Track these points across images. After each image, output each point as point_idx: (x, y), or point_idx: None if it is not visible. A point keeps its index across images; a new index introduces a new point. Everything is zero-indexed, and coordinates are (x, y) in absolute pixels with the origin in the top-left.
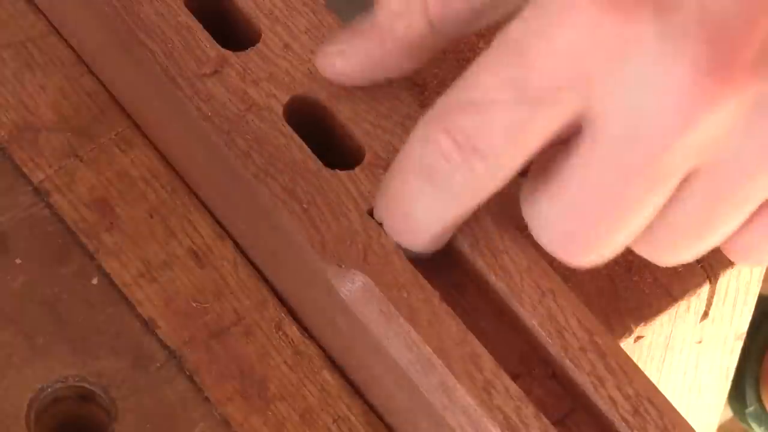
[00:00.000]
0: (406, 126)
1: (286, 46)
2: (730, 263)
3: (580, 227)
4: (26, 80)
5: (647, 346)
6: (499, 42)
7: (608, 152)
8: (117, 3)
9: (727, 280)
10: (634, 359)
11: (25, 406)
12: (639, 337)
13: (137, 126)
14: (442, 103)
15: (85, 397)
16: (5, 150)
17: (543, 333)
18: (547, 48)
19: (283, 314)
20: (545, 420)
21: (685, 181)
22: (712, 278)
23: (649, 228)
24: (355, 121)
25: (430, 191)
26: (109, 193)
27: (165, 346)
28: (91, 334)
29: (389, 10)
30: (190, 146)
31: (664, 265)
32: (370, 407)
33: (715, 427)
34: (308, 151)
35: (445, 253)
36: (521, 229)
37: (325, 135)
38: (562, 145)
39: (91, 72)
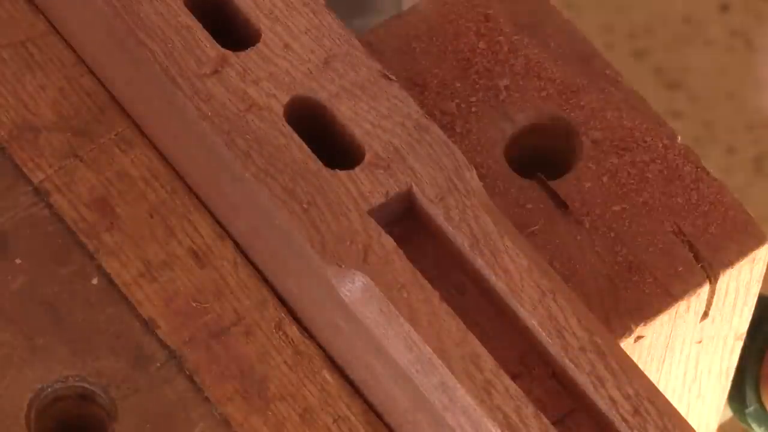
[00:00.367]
0: (406, 126)
1: (286, 46)
2: (730, 263)
3: None
4: (26, 80)
5: (647, 346)
6: None
7: None
8: (117, 3)
9: (727, 280)
10: (634, 359)
11: (25, 406)
12: (639, 337)
13: (137, 126)
14: None
15: (85, 397)
16: (5, 150)
17: (543, 333)
18: None
19: (283, 314)
20: (545, 420)
21: None
22: (712, 278)
23: None
24: (355, 121)
25: None
26: (109, 193)
27: (165, 346)
28: (91, 334)
29: None
30: (190, 146)
31: None
32: (370, 407)
33: (715, 427)
34: (308, 151)
35: (445, 253)
36: (521, 229)
37: (325, 135)
38: None
39: (91, 72)
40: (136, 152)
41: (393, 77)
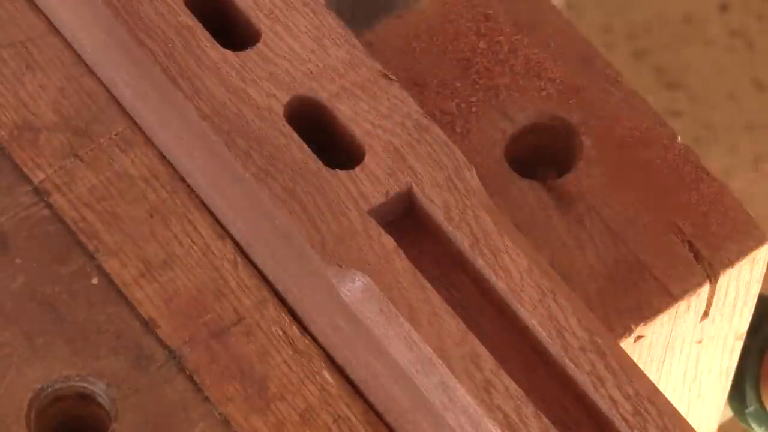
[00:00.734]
0: (406, 126)
1: (286, 46)
2: (730, 263)
3: None
4: (26, 80)
5: (647, 346)
6: None
7: None
8: (117, 3)
9: (727, 280)
10: (634, 359)
11: (25, 406)
12: (639, 337)
13: (137, 126)
14: None
15: (85, 397)
16: (5, 150)
17: (543, 333)
18: None
19: (283, 314)
20: (545, 420)
21: None
22: (712, 278)
23: None
24: (355, 121)
25: None
26: (109, 193)
27: (165, 346)
28: (91, 334)
29: None
30: (190, 146)
31: None
32: (370, 407)
33: (715, 427)
34: (308, 151)
35: (445, 253)
36: (521, 229)
37: (325, 135)
38: None
39: (91, 72)
40: (136, 152)
41: (393, 77)
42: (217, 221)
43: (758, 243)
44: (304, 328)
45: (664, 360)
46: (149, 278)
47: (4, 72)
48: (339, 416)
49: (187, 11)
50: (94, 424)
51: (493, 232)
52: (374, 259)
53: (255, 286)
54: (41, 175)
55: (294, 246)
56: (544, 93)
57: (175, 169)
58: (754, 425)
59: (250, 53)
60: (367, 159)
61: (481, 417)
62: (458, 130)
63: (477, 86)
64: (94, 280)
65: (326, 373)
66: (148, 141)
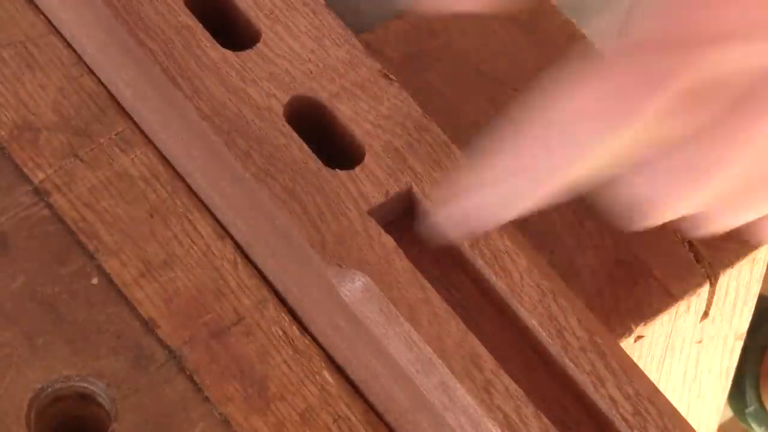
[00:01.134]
0: (406, 126)
1: (286, 46)
2: (730, 263)
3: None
4: (26, 80)
5: (647, 346)
6: None
7: None
8: (117, 3)
9: (727, 280)
10: (634, 359)
11: (25, 406)
12: (639, 337)
13: (137, 126)
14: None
15: (85, 396)
16: (5, 150)
17: (543, 333)
18: None
19: (283, 314)
20: (545, 420)
21: None
22: (712, 278)
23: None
24: (355, 121)
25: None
26: (109, 193)
27: (165, 346)
28: (91, 334)
29: None
30: (190, 146)
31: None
32: (370, 407)
33: (715, 427)
34: (308, 151)
35: (445, 253)
36: (521, 228)
37: (325, 135)
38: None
39: (91, 72)
40: (136, 152)
41: (393, 77)
42: (217, 221)
43: (758, 243)
44: (304, 328)
45: (664, 360)
46: (149, 278)
47: (4, 72)
48: (339, 416)
49: (187, 11)
50: (94, 424)
51: (493, 233)
52: (374, 259)
53: (255, 286)
54: (41, 175)
55: (294, 246)
56: None
57: (175, 169)
58: (754, 425)
59: (250, 53)
60: (367, 159)
61: (481, 417)
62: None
63: (477, 86)
64: (94, 280)
65: (326, 373)
66: (148, 141)
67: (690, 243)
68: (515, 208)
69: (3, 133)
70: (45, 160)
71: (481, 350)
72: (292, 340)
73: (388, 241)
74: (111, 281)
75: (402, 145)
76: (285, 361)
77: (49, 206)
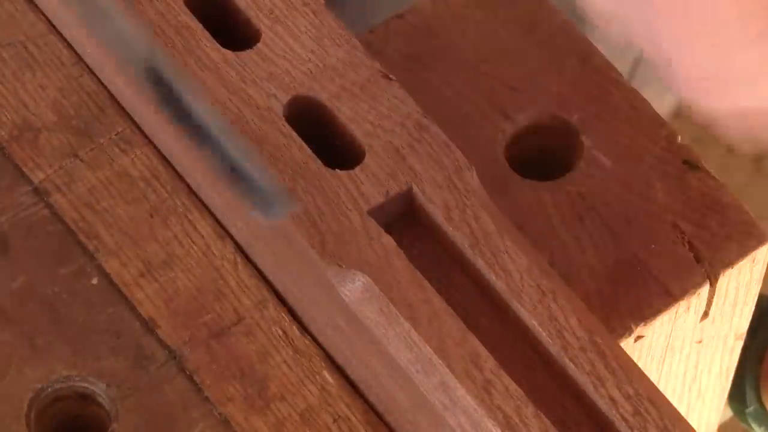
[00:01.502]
0: (406, 126)
1: (286, 46)
2: (730, 263)
3: None
4: (26, 80)
5: (647, 346)
6: None
7: None
8: None
9: (727, 280)
10: (634, 359)
11: (25, 406)
12: (639, 337)
13: (137, 126)
14: None
15: (85, 397)
16: (5, 150)
17: (543, 333)
18: None
19: (283, 314)
20: (545, 420)
21: None
22: (712, 278)
23: None
24: (355, 121)
25: None
26: (109, 193)
27: (165, 346)
28: (91, 334)
29: None
30: (190, 146)
31: None
32: (370, 407)
33: (715, 427)
34: (308, 151)
35: (445, 252)
36: (521, 228)
37: (325, 135)
38: None
39: (91, 72)
40: (136, 152)
41: (393, 77)
42: (217, 221)
43: (758, 243)
44: (304, 328)
45: (664, 360)
46: (149, 278)
47: (4, 72)
48: (339, 416)
49: (187, 11)
50: (94, 424)
51: (493, 232)
52: (374, 259)
53: (255, 286)
54: (41, 175)
55: (294, 246)
56: (544, 93)
57: (175, 169)
58: (754, 425)
59: (250, 53)
60: (367, 159)
61: (481, 417)
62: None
63: (477, 86)
64: (94, 280)
65: (326, 373)
66: (148, 141)
67: (690, 243)
68: None
69: (3, 133)
70: (45, 160)
71: (481, 350)
72: (292, 340)
73: (388, 241)
74: (111, 281)
75: (402, 145)
76: (285, 361)
77: (49, 206)
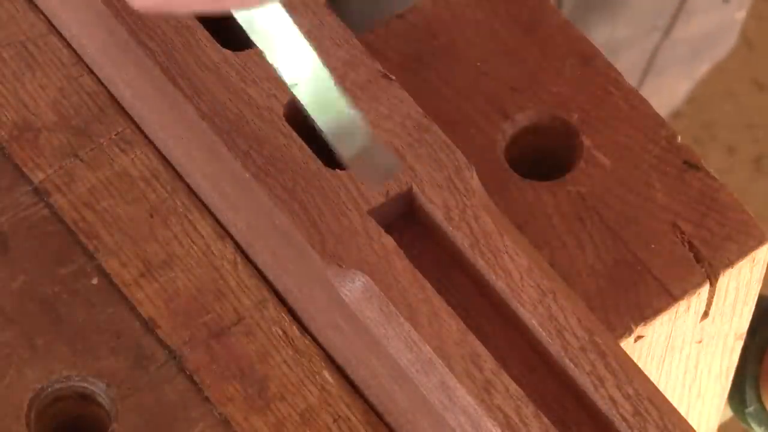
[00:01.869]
0: (406, 126)
1: None
2: (730, 263)
3: None
4: (26, 80)
5: (647, 346)
6: None
7: None
8: (117, 3)
9: (727, 280)
10: (634, 359)
11: (25, 406)
12: (639, 337)
13: (137, 126)
14: None
15: (85, 397)
16: (5, 150)
17: (543, 333)
18: None
19: (283, 314)
20: (545, 420)
21: None
22: (712, 278)
23: None
24: None
25: None
26: (109, 192)
27: (165, 346)
28: (91, 334)
29: None
30: (191, 146)
31: None
32: (370, 407)
33: (715, 427)
34: (308, 151)
35: (445, 252)
36: (521, 228)
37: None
38: None
39: (91, 72)
40: (136, 152)
41: (393, 77)
42: (217, 221)
43: (758, 243)
44: (304, 328)
45: (664, 360)
46: (149, 278)
47: (4, 72)
48: (339, 416)
49: None
50: (94, 424)
51: (493, 232)
52: (374, 259)
53: (255, 286)
54: (41, 175)
55: (294, 246)
56: (544, 93)
57: (175, 169)
58: (754, 425)
59: (250, 53)
60: None
61: (481, 417)
62: (458, 130)
63: (477, 86)
64: (94, 280)
65: (326, 373)
66: (148, 141)
67: (690, 243)
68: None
69: (3, 133)
70: (45, 160)
71: (481, 350)
72: (292, 340)
73: (388, 241)
74: (111, 281)
75: (402, 145)
76: (285, 361)
77: (49, 206)
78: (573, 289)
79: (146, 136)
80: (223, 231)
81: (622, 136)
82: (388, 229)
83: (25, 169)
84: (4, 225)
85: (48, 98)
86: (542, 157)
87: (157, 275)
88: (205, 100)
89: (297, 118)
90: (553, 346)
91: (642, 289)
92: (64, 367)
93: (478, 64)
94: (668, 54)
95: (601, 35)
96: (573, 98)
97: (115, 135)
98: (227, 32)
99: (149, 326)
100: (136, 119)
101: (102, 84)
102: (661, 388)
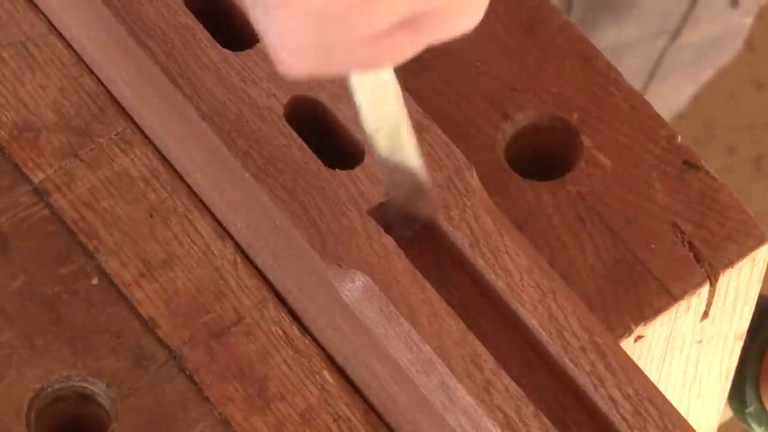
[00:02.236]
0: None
1: None
2: (730, 263)
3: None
4: (26, 80)
5: (647, 346)
6: None
7: None
8: (117, 3)
9: (727, 280)
10: (634, 359)
11: (25, 406)
12: (639, 337)
13: (137, 126)
14: None
15: (85, 397)
16: (5, 150)
17: (543, 333)
18: None
19: (283, 314)
20: (545, 420)
21: None
22: (712, 278)
23: None
24: (355, 121)
25: None
26: (109, 193)
27: (165, 346)
28: (91, 334)
29: None
30: (190, 146)
31: None
32: (370, 407)
33: (715, 427)
34: (308, 151)
35: (445, 252)
36: (521, 228)
37: (325, 135)
38: None
39: (91, 72)
40: (136, 152)
41: None
42: (217, 221)
43: (758, 243)
44: (304, 328)
45: (664, 360)
46: (149, 278)
47: (4, 72)
48: (339, 416)
49: (187, 11)
50: (94, 424)
51: (493, 232)
52: (374, 259)
53: (255, 286)
54: (41, 175)
55: (294, 246)
56: (544, 93)
57: (175, 169)
58: (754, 425)
59: (250, 53)
60: (367, 159)
61: (481, 417)
62: (458, 130)
63: (477, 85)
64: (94, 280)
65: (326, 373)
66: (148, 141)
67: (690, 243)
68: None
69: (3, 133)
70: (45, 160)
71: (481, 350)
72: (292, 340)
73: (388, 241)
74: (111, 281)
75: None
76: (285, 361)
77: (49, 206)
78: (573, 289)
79: (146, 136)
80: (223, 231)
81: (622, 136)
82: (388, 229)
83: (25, 169)
84: (4, 225)
85: (48, 98)
86: (542, 157)
87: (157, 275)
88: (205, 100)
89: (297, 118)
90: (553, 346)
91: (642, 289)
92: (64, 367)
93: (478, 64)
94: (674, 58)
95: (608, 37)
96: (573, 98)
97: (115, 135)
98: (227, 32)
99: (149, 326)
100: (136, 119)
101: (102, 84)
102: (661, 388)
